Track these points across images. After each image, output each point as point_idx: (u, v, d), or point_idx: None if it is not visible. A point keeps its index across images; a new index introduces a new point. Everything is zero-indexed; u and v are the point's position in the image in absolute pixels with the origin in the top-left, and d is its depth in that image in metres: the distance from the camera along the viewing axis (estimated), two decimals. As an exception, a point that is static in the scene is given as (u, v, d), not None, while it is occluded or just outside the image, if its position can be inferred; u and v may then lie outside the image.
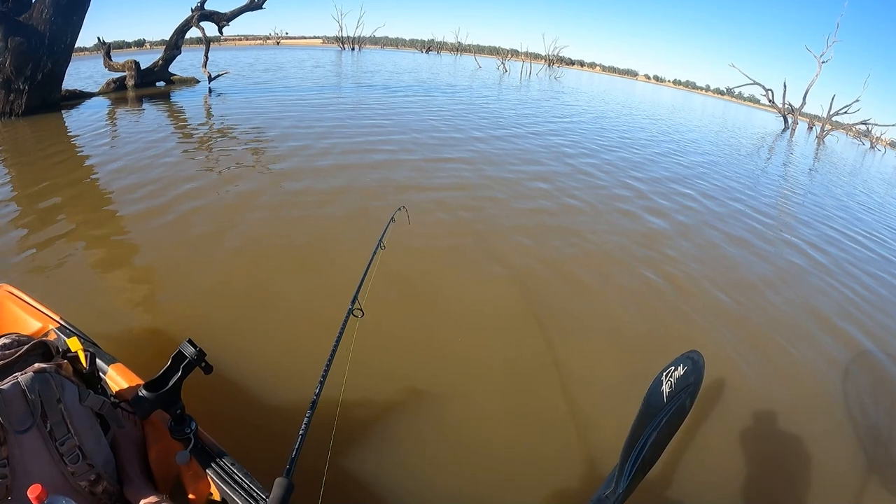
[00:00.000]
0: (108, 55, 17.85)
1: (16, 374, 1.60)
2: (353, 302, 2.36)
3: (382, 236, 3.15)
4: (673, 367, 1.93)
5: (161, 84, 19.12)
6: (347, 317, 2.26)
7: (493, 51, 75.62)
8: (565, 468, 2.96)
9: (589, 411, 3.42)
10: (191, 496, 1.84)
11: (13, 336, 1.85)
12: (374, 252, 2.93)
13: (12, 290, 2.60)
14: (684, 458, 3.14)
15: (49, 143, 9.72)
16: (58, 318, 2.42)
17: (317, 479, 1.73)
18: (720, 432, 3.43)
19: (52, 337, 2.22)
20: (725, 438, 3.40)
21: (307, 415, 1.71)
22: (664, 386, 1.90)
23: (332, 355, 1.98)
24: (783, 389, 4.02)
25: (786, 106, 33.08)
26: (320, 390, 1.83)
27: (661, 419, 1.86)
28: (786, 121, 32.91)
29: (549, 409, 3.39)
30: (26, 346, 1.74)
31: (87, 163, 8.35)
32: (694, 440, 3.29)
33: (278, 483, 1.53)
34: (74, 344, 1.84)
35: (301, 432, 1.66)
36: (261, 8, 20.16)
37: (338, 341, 2.05)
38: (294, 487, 1.54)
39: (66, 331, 2.32)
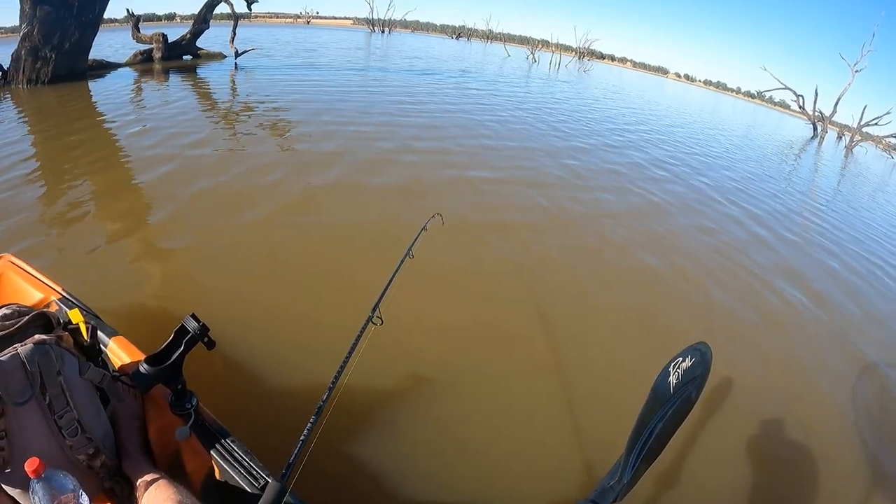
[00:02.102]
0: (136, 27, 17.94)
1: (15, 345, 1.57)
2: (374, 310, 2.32)
3: (412, 245, 3.09)
4: (681, 359, 1.93)
5: (188, 58, 19.17)
6: (366, 325, 2.22)
7: (523, 40, 75.03)
8: (569, 458, 2.94)
9: (593, 401, 3.40)
10: (189, 472, 1.82)
11: (14, 307, 1.80)
12: (402, 261, 2.87)
13: (14, 259, 2.58)
14: (688, 450, 3.11)
15: (72, 111, 9.79)
16: (60, 290, 2.39)
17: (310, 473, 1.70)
18: (725, 427, 3.39)
19: (53, 308, 2.18)
20: (730, 433, 3.36)
21: (311, 420, 1.69)
22: (671, 377, 1.91)
23: (346, 362, 1.95)
24: (792, 388, 3.99)
25: (816, 113, 32.46)
26: (328, 396, 1.80)
27: (667, 410, 1.86)
28: (815, 129, 32.35)
29: (555, 402, 3.35)
30: (26, 318, 1.71)
31: (108, 132, 8.38)
32: (699, 433, 3.26)
33: (271, 487, 1.51)
34: (76, 316, 1.80)
35: (302, 437, 1.64)
36: (290, -14, 20.18)
37: (353, 349, 2.02)
38: (287, 492, 1.52)
39: (67, 302, 2.29)
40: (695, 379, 1.85)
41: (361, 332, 2.14)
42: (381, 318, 2.31)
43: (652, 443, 1.87)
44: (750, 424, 3.51)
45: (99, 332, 2.07)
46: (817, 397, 4.00)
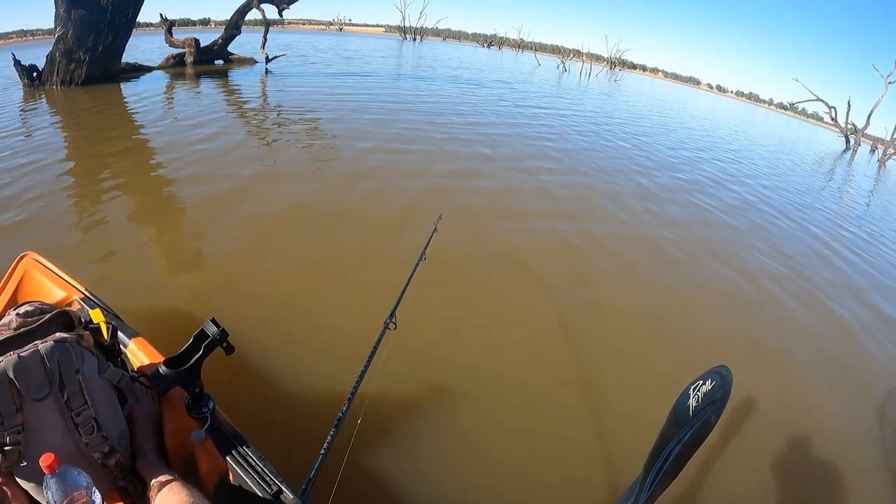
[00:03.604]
0: (169, 31, 18.29)
1: (36, 342, 1.57)
2: (392, 316, 2.32)
3: (426, 248, 3.09)
4: (701, 382, 1.90)
5: (219, 62, 19.50)
6: (384, 332, 2.22)
7: (554, 49, 74.91)
8: (586, 478, 2.89)
9: (619, 413, 3.35)
10: (203, 475, 1.79)
11: (36, 304, 1.82)
12: (417, 264, 2.88)
13: (38, 258, 2.58)
14: (706, 473, 3.03)
15: (104, 113, 9.96)
16: (82, 289, 2.39)
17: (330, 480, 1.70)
18: (744, 452, 3.30)
19: (75, 307, 2.18)
20: (750, 458, 3.26)
21: (331, 433, 1.69)
22: (691, 399, 1.88)
23: (364, 371, 1.94)
24: (816, 413, 3.87)
25: (848, 126, 31.95)
26: (347, 408, 1.80)
27: (685, 433, 1.83)
28: (847, 141, 31.80)
29: (571, 422, 3.28)
30: (48, 315, 1.72)
31: (138, 133, 8.53)
32: (716, 456, 3.17)
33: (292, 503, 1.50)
34: (97, 316, 1.79)
35: (323, 451, 1.63)
36: (320, -7, 20.38)
37: (371, 357, 2.01)
38: None
39: (89, 301, 2.29)
40: (714, 402, 1.83)
41: (379, 340, 2.13)
42: (395, 324, 2.31)
43: (669, 465, 1.85)
44: (771, 448, 3.41)
45: (119, 333, 2.07)
46: (844, 425, 3.87)
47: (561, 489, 2.79)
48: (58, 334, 1.64)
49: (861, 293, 6.15)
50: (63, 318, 1.75)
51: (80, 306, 2.24)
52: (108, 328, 1.81)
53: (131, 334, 2.14)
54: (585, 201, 7.45)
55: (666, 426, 1.91)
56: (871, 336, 5.11)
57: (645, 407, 3.26)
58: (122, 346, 2.04)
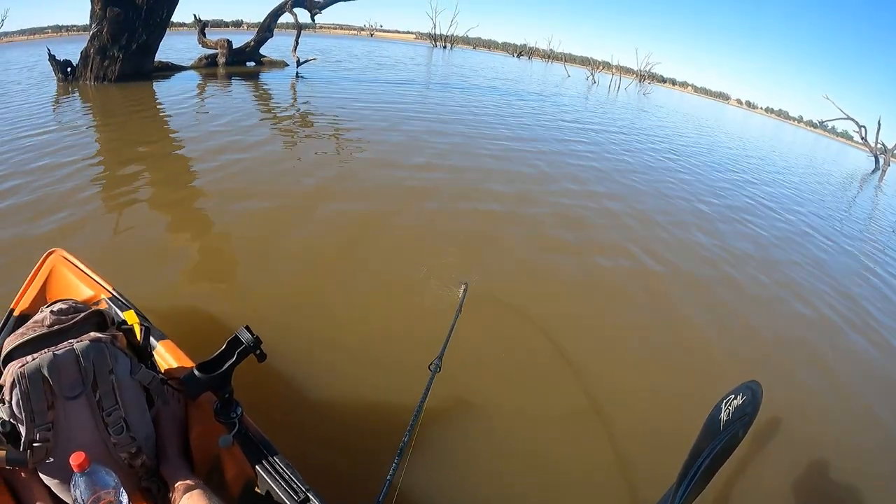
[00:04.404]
0: (202, 32, 18.53)
1: (70, 340, 1.60)
2: (440, 359, 2.33)
3: (461, 307, 3.11)
4: (733, 396, 1.93)
5: (251, 64, 19.69)
6: (433, 378, 2.23)
7: (584, 61, 74.80)
8: (618, 490, 2.85)
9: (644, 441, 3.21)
10: (229, 480, 1.80)
11: (70, 302, 1.83)
12: (456, 317, 2.91)
13: (66, 255, 2.58)
14: (732, 486, 3.00)
15: (136, 109, 10.07)
16: (110, 288, 2.39)
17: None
18: (773, 468, 3.22)
19: (102, 306, 2.19)
20: (779, 476, 3.19)
21: (395, 461, 1.74)
22: (722, 413, 1.91)
23: (416, 419, 1.96)
24: (851, 434, 3.74)
25: (878, 146, 31.56)
26: (409, 438, 1.84)
27: (715, 445, 1.85)
28: (877, 161, 31.38)
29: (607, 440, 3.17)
30: (83, 314, 1.75)
31: (169, 131, 8.57)
32: (746, 472, 3.12)
33: None
34: (131, 317, 1.82)
35: (389, 477, 1.68)
36: (353, -1, 20.56)
37: (422, 404, 2.03)
38: None
39: (117, 301, 2.28)
40: (744, 417, 1.85)
41: (428, 388, 2.15)
42: (440, 367, 2.32)
43: (699, 476, 1.86)
44: (799, 465, 3.33)
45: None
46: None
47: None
48: (93, 334, 1.66)
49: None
50: (97, 318, 1.79)
51: (107, 305, 2.24)
52: (141, 330, 1.85)
53: (159, 336, 2.14)
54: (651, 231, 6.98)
55: (699, 438, 1.94)
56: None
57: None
58: (151, 349, 2.05)
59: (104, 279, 2.46)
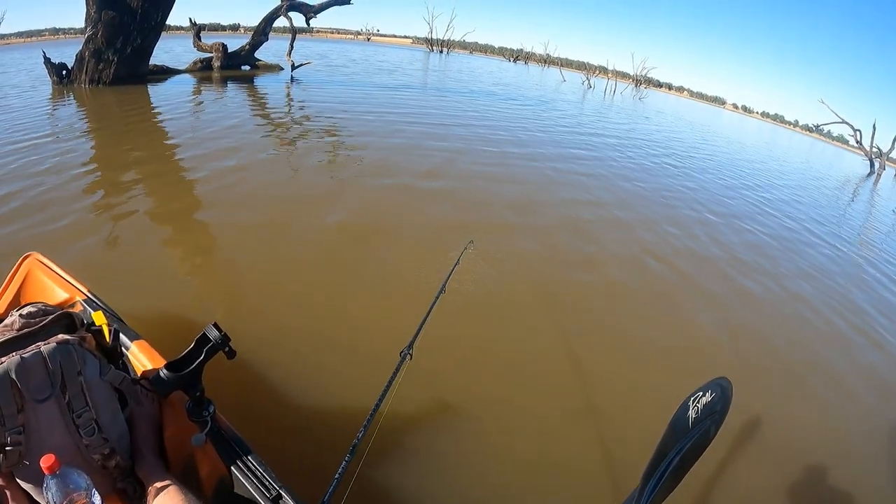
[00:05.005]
0: (197, 36, 18.52)
1: (38, 343, 1.58)
2: (410, 347, 2.30)
3: (446, 282, 3.05)
4: (701, 393, 1.89)
5: (246, 68, 19.70)
6: (401, 364, 2.20)
7: (580, 66, 74.89)
8: (585, 490, 2.86)
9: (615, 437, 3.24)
10: (203, 478, 1.79)
11: (39, 305, 1.82)
12: (436, 298, 2.84)
13: (42, 259, 2.57)
14: (706, 486, 3.00)
15: (130, 112, 10.06)
16: (85, 291, 2.38)
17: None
18: (744, 464, 3.24)
19: (77, 308, 2.18)
20: (750, 471, 3.20)
21: (346, 459, 1.68)
22: (690, 411, 1.88)
23: (380, 402, 1.93)
24: (825, 433, 3.77)
25: (874, 149, 31.53)
26: (363, 435, 1.78)
27: (684, 444, 1.84)
28: (872, 165, 31.32)
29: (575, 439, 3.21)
30: (51, 317, 1.73)
31: (161, 136, 8.58)
32: (716, 469, 3.13)
33: None
34: (99, 318, 1.80)
35: (336, 477, 1.62)
36: (348, 3, 20.49)
37: (387, 388, 2.00)
38: None
39: (92, 303, 2.28)
40: (714, 414, 1.79)
41: (396, 371, 2.12)
42: (411, 355, 2.29)
43: (668, 477, 1.83)
44: (773, 463, 3.34)
45: (121, 336, 2.08)
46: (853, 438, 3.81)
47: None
48: (60, 336, 1.65)
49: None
50: (66, 320, 1.76)
51: (82, 308, 2.25)
52: (110, 331, 1.82)
53: (133, 337, 2.13)
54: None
55: (665, 437, 1.90)
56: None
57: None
58: (123, 349, 2.05)
59: (79, 282, 2.45)
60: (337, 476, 1.62)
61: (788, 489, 3.18)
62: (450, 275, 3.17)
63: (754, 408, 3.70)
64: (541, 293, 4.83)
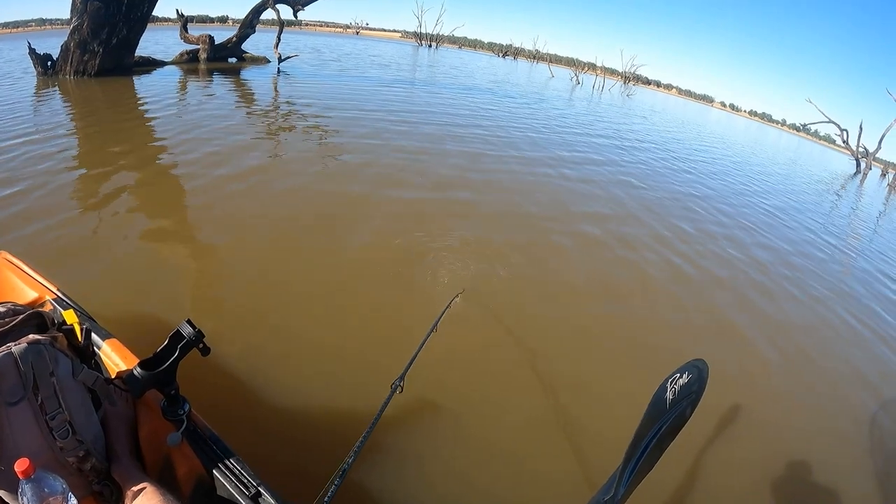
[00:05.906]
0: (184, 27, 18.37)
1: (9, 344, 1.54)
2: (401, 379, 2.28)
3: (438, 321, 3.02)
4: (678, 375, 1.93)
5: (233, 60, 19.54)
6: (391, 396, 2.18)
7: (569, 62, 74.84)
8: (566, 475, 2.89)
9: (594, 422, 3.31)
10: (180, 478, 1.76)
11: (8, 305, 1.79)
12: (428, 335, 2.83)
13: (10, 258, 2.53)
14: (684, 467, 3.05)
15: (115, 105, 9.95)
16: (55, 290, 2.33)
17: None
18: (723, 445, 3.30)
19: (48, 308, 2.13)
20: (729, 452, 3.26)
21: (335, 483, 1.67)
22: (668, 392, 1.91)
23: (370, 431, 1.92)
24: (801, 412, 3.88)
25: (860, 149, 31.75)
26: (353, 461, 1.78)
27: (661, 426, 1.87)
28: (858, 164, 31.50)
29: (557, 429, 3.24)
30: (21, 317, 1.70)
31: (144, 130, 8.51)
32: (694, 449, 3.19)
33: None
34: (70, 317, 1.76)
35: (326, 500, 1.62)
36: (335, -4, 20.44)
37: (376, 420, 1.99)
38: None
39: (62, 303, 2.23)
40: (690, 395, 1.84)
41: (385, 404, 2.11)
42: (402, 388, 2.27)
43: (646, 457, 1.87)
44: (748, 443, 3.42)
45: (93, 335, 2.03)
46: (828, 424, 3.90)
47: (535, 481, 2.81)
48: (31, 336, 1.61)
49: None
50: (36, 320, 1.72)
51: (52, 307, 2.20)
52: (81, 330, 1.78)
53: (105, 336, 2.09)
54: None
55: (644, 419, 1.93)
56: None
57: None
58: (96, 349, 2.01)
59: (49, 280, 2.41)
60: (326, 500, 1.63)
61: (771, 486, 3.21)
62: (440, 317, 3.12)
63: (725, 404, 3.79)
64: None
